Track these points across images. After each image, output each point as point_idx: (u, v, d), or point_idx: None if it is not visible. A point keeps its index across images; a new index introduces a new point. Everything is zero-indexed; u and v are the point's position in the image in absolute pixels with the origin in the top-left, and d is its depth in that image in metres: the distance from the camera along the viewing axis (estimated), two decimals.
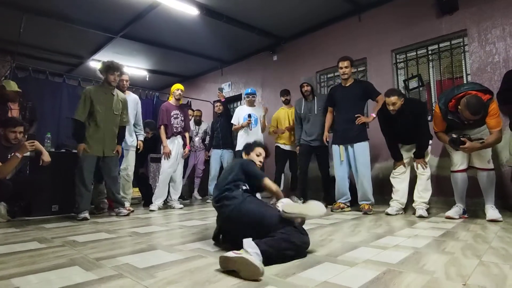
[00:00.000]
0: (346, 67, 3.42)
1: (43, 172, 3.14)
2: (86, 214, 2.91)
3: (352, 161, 3.39)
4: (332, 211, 3.41)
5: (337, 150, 3.49)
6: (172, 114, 3.92)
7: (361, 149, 3.34)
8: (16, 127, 2.87)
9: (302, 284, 1.15)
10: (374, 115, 3.35)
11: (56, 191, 3.21)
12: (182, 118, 4.01)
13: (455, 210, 2.81)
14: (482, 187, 2.73)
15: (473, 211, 3.09)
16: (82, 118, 2.99)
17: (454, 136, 2.61)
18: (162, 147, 3.87)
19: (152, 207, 3.70)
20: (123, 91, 3.58)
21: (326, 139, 3.67)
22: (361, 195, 3.34)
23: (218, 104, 4.86)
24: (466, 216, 2.85)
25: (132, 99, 3.79)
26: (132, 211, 3.46)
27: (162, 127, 3.84)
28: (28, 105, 3.80)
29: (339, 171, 3.48)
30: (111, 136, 3.19)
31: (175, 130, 3.91)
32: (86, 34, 5.18)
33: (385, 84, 4.10)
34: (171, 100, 4.03)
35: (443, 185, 3.57)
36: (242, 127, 4.29)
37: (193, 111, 5.35)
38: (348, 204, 3.48)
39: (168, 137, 3.86)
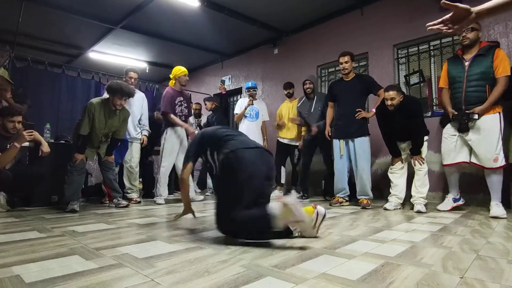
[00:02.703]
0: (346, 62, 3.41)
1: (43, 162, 3.14)
2: (75, 206, 2.88)
3: (352, 156, 3.39)
4: (330, 205, 3.42)
5: (337, 145, 3.50)
6: (176, 101, 3.72)
7: (362, 144, 3.34)
8: (14, 117, 2.85)
9: (300, 275, 1.16)
10: (374, 110, 3.35)
11: (56, 182, 3.21)
12: (186, 105, 3.85)
13: (445, 203, 3.00)
14: (488, 185, 2.73)
15: (471, 207, 3.11)
16: (86, 133, 2.95)
17: (456, 114, 2.73)
18: (164, 139, 3.70)
19: (158, 200, 3.57)
20: None
21: (328, 133, 3.67)
22: (360, 189, 3.35)
23: (207, 102, 4.86)
24: (460, 203, 2.91)
25: (139, 97, 3.84)
26: (139, 202, 3.51)
27: (170, 114, 3.64)
28: (19, 91, 3.73)
29: (339, 165, 3.49)
30: (105, 146, 3.24)
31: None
32: (86, 24, 5.13)
33: (386, 79, 4.09)
34: (175, 86, 3.78)
35: (440, 181, 3.59)
36: (245, 108, 4.28)
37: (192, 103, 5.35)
38: (347, 198, 3.49)
39: (170, 126, 3.67)
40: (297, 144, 4.33)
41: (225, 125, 4.74)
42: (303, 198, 4.13)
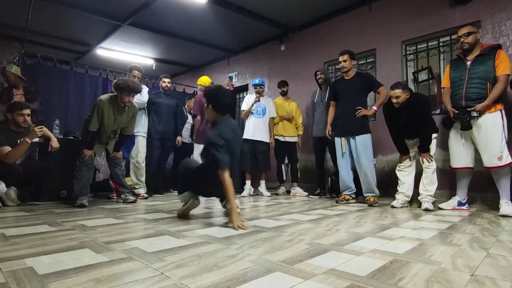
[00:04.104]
0: (344, 61, 3.43)
1: (52, 158, 3.19)
2: (84, 201, 2.91)
3: (354, 154, 3.39)
4: (337, 202, 3.42)
5: (338, 143, 3.51)
6: None
7: (363, 142, 3.34)
8: (23, 110, 2.90)
9: (309, 270, 1.16)
10: (375, 108, 3.35)
11: (65, 177, 3.25)
12: None
13: (448, 202, 2.96)
14: (496, 183, 2.71)
15: (480, 206, 3.08)
16: (95, 129, 2.97)
17: (457, 112, 2.74)
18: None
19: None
20: None
21: (328, 132, 3.67)
22: (365, 187, 3.34)
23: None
24: (465, 208, 2.87)
25: (144, 93, 3.92)
26: (146, 198, 3.54)
27: None
28: (31, 89, 3.80)
29: (342, 163, 3.49)
30: (113, 142, 3.26)
31: None
32: (94, 21, 5.17)
33: (394, 76, 4.05)
34: None
35: (448, 179, 3.55)
36: (252, 105, 4.29)
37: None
38: (353, 196, 3.48)
39: None
40: (295, 141, 4.44)
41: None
42: (321, 195, 4.14)
